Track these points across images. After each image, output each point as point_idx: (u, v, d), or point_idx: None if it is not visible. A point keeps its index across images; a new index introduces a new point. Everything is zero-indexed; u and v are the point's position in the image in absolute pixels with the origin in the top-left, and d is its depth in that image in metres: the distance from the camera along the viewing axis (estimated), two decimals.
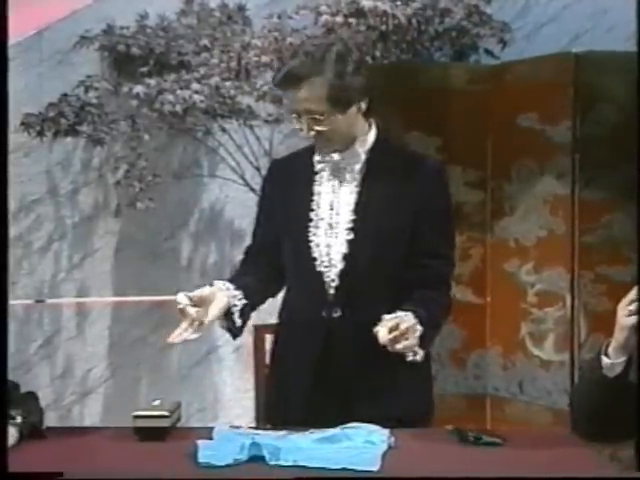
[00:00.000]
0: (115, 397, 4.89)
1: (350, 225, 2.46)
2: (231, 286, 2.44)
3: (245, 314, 2.45)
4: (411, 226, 2.45)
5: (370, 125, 2.53)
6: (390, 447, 2.20)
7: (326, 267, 2.47)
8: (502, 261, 4.14)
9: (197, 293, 2.36)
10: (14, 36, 4.40)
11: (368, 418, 2.29)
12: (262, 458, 2.14)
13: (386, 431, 2.25)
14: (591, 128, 3.89)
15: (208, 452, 2.16)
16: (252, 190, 4.59)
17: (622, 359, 2.11)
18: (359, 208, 2.47)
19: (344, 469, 2.09)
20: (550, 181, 3.98)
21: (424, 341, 2.36)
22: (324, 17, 4.28)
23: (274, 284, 2.58)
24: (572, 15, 4.81)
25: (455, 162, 4.13)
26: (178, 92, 4.26)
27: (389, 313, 2.34)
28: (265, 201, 2.64)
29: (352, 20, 4.26)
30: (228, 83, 4.29)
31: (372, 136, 2.52)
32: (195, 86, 4.28)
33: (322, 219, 2.48)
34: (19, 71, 4.62)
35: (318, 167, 2.52)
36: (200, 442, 2.21)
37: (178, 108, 4.25)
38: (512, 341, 4.10)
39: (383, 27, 4.27)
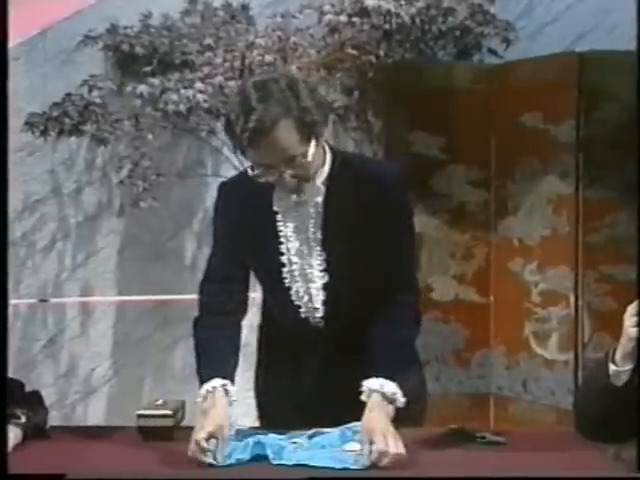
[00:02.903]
0: (119, 396, 4.89)
1: (323, 266, 2.36)
2: (227, 383, 2.29)
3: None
4: (374, 253, 2.34)
5: (325, 152, 2.35)
6: None
7: (309, 313, 2.40)
8: (506, 260, 4.14)
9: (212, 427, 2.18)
10: (18, 36, 4.41)
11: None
12: (265, 457, 2.14)
13: None
14: (595, 127, 3.89)
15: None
16: None
17: (629, 367, 2.11)
18: (327, 246, 2.35)
19: (346, 469, 2.10)
20: (554, 180, 3.97)
21: (403, 386, 2.28)
22: (328, 16, 4.27)
23: (239, 335, 2.44)
24: (576, 14, 4.81)
25: (459, 161, 4.14)
26: (182, 91, 4.26)
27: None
28: (223, 230, 2.49)
29: (356, 19, 4.25)
30: (232, 82, 4.29)
31: (328, 163, 2.34)
32: (199, 85, 4.27)
33: (295, 263, 2.37)
34: (23, 71, 4.63)
35: (278, 207, 2.36)
36: None
37: (182, 107, 4.25)
38: (516, 340, 4.10)
39: (387, 26, 4.26)
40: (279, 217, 2.38)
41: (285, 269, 2.38)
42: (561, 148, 3.94)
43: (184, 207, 4.90)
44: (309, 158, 2.25)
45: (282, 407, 2.47)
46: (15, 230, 4.72)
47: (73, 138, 4.53)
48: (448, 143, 4.12)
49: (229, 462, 2.13)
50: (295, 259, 2.37)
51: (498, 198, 4.16)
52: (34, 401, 2.37)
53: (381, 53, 4.27)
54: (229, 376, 2.31)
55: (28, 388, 2.42)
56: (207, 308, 2.45)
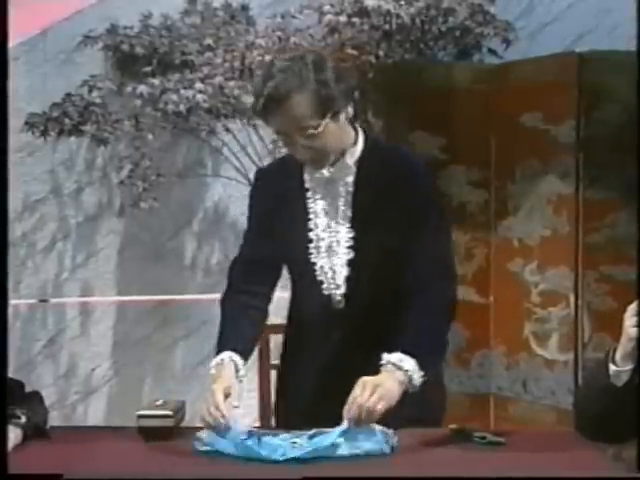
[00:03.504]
0: (119, 396, 4.89)
1: (349, 243, 2.40)
2: (234, 355, 2.39)
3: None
4: (408, 236, 2.37)
5: (357, 133, 2.43)
6: (393, 448, 2.20)
7: (333, 289, 2.42)
8: (506, 261, 4.14)
9: (221, 393, 2.30)
10: (18, 36, 4.41)
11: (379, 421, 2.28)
12: (265, 458, 2.14)
13: (390, 431, 2.24)
14: (595, 127, 3.89)
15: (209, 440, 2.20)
16: None
17: (629, 367, 2.10)
18: (356, 224, 2.39)
19: (353, 456, 2.13)
20: (554, 181, 3.97)
21: (424, 368, 2.31)
22: (328, 17, 4.28)
23: (263, 318, 2.53)
24: (576, 14, 4.81)
25: (459, 162, 4.14)
26: (182, 92, 4.26)
27: (397, 326, 2.33)
28: (256, 213, 2.54)
29: (356, 20, 4.26)
30: (232, 83, 4.29)
31: (360, 144, 2.42)
32: (199, 86, 4.27)
33: (322, 239, 2.41)
34: (23, 71, 4.63)
35: (309, 184, 2.43)
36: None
37: (182, 108, 4.25)
38: (516, 341, 4.10)
39: (387, 26, 4.26)
40: (309, 194, 2.43)
41: (312, 244, 2.42)
42: (561, 148, 3.94)
43: (184, 207, 4.90)
44: (320, 129, 2.29)
45: (299, 403, 2.48)
46: (15, 230, 4.72)
47: (73, 138, 4.54)
48: (448, 143, 4.12)
49: (227, 452, 2.15)
50: (323, 235, 2.42)
51: (498, 198, 4.16)
52: (34, 401, 2.37)
53: (381, 53, 4.27)
54: (240, 351, 2.39)
55: (28, 388, 2.42)
56: (235, 287, 2.52)
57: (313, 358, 2.47)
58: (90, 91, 4.41)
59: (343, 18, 4.25)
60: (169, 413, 2.34)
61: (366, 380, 2.24)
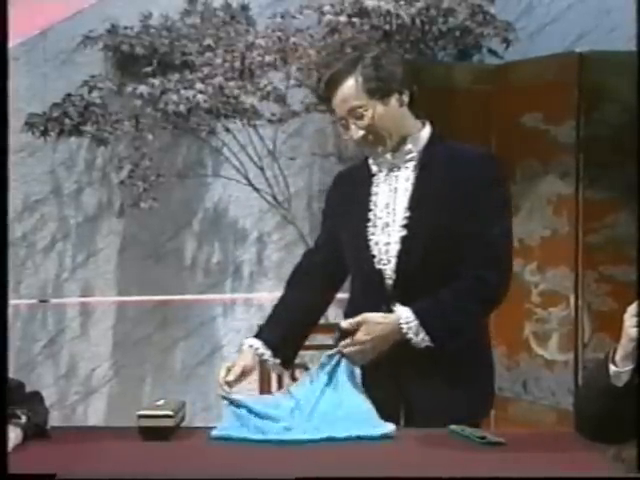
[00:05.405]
0: (119, 396, 4.89)
1: (404, 222, 2.51)
2: (260, 345, 2.54)
3: (283, 361, 2.56)
4: (461, 224, 2.46)
5: (424, 124, 2.58)
6: (392, 437, 2.23)
7: (384, 264, 2.51)
8: None
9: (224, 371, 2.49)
10: (18, 36, 4.41)
11: (425, 412, 2.37)
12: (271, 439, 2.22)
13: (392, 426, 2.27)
14: (595, 128, 3.89)
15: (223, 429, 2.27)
16: (256, 190, 4.59)
17: (629, 367, 2.10)
18: (412, 205, 2.50)
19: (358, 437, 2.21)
20: (554, 181, 3.98)
21: (431, 334, 2.42)
22: (327, 17, 4.28)
23: (312, 313, 2.65)
24: (576, 15, 4.81)
25: None
26: (182, 92, 4.26)
27: None
28: (327, 210, 2.73)
29: (356, 20, 4.26)
30: (232, 83, 4.29)
31: (426, 134, 2.57)
32: (199, 86, 4.28)
33: (380, 218, 2.54)
34: (23, 71, 4.63)
35: (374, 169, 2.58)
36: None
37: (182, 108, 4.25)
38: (516, 341, 4.10)
39: (387, 27, 4.26)
40: (374, 179, 2.58)
41: (370, 223, 2.55)
42: (561, 148, 3.94)
43: (184, 207, 4.90)
44: (366, 109, 2.46)
45: None
46: (15, 230, 4.72)
47: (73, 138, 4.54)
48: None
49: (243, 436, 2.24)
50: (381, 214, 2.55)
51: None
52: (34, 401, 2.37)
53: None
54: (265, 338, 2.55)
55: (28, 388, 2.42)
56: (295, 278, 2.69)
57: None
58: (90, 91, 4.41)
59: (343, 18, 4.26)
60: (169, 413, 2.34)
61: (367, 319, 2.44)
